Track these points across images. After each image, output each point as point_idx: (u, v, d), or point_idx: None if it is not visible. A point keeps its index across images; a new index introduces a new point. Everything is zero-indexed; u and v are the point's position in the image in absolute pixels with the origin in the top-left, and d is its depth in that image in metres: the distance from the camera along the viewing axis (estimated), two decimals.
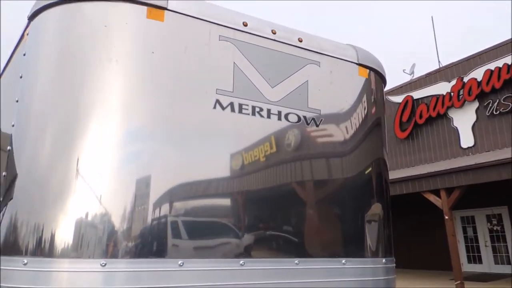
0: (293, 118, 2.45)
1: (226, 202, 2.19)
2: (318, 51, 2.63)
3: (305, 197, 2.40)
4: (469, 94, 13.06)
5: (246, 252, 2.13)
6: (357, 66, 2.78)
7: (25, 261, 1.80)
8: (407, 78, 16.36)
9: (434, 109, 14.03)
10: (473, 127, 13.15)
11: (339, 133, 2.61)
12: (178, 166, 2.09)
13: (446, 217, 11.11)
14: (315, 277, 2.27)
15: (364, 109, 2.76)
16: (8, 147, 2.12)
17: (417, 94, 14.89)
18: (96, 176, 1.94)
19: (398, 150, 15.31)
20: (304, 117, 2.49)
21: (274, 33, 2.51)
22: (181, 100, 2.16)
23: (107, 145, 1.99)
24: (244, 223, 2.18)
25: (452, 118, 13.70)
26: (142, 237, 1.93)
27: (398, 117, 15.20)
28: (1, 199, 2.03)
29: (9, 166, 2.07)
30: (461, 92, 13.35)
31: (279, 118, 2.41)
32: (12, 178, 2.02)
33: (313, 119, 2.51)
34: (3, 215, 1.99)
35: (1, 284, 1.80)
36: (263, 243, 2.21)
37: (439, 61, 16.07)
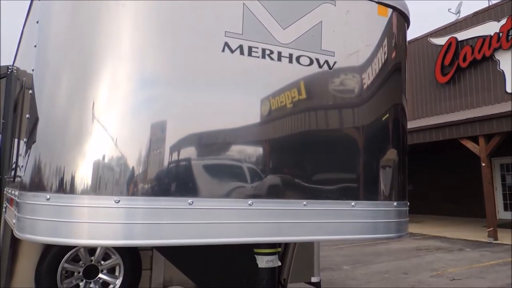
0: (305, 61, 2.39)
1: (236, 144, 2.23)
2: None
3: (314, 140, 2.40)
4: None
5: (255, 193, 2.20)
6: (376, 4, 2.62)
7: (48, 197, 1.96)
8: (452, 18, 15.25)
9: (479, 51, 13.12)
10: None
11: (355, 77, 2.53)
12: (189, 111, 2.14)
13: (483, 164, 10.78)
14: (323, 218, 2.32)
15: (383, 52, 2.64)
16: (30, 91, 2.24)
17: (462, 36, 13.91)
18: (112, 120, 2.03)
19: (438, 95, 14.65)
20: (317, 59, 2.42)
21: None
22: (190, 44, 2.16)
23: (120, 91, 2.06)
24: (254, 165, 2.23)
25: (498, 60, 12.79)
26: (154, 177, 2.03)
27: (439, 60, 14.38)
28: (26, 140, 2.18)
29: (32, 109, 2.20)
30: (510, 33, 12.33)
31: (290, 61, 2.36)
32: (34, 121, 2.16)
33: (326, 61, 2.44)
34: (28, 155, 2.15)
35: (27, 216, 1.99)
36: (272, 184, 2.26)
37: None
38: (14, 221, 2.29)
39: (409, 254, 9.23)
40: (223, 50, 2.21)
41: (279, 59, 2.34)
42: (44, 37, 2.26)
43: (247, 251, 2.43)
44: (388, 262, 8.40)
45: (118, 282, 4.00)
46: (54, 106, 2.12)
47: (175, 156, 2.07)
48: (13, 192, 2.61)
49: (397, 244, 10.80)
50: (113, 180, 1.99)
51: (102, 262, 4.00)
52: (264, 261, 2.38)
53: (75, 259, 3.89)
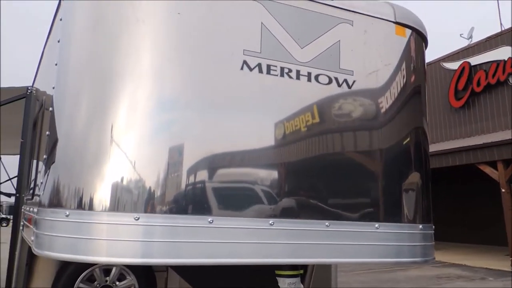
0: (323, 80, 2.40)
1: (256, 164, 2.21)
2: (351, 9, 2.52)
3: (336, 160, 2.37)
4: None
5: (276, 213, 2.16)
6: (394, 24, 2.64)
7: (67, 213, 1.96)
8: (464, 43, 15.28)
9: (493, 76, 13.04)
10: None
11: (375, 96, 2.52)
12: (208, 131, 2.13)
13: (503, 190, 10.51)
14: (345, 240, 2.26)
15: (403, 72, 2.64)
16: (50, 109, 2.27)
17: (475, 60, 13.87)
18: (130, 143, 2.03)
19: (452, 120, 14.51)
20: (336, 78, 2.42)
21: None
22: (208, 63, 2.18)
23: (139, 113, 2.07)
24: (275, 185, 2.20)
25: None
26: (173, 196, 2.01)
27: (453, 84, 14.31)
28: (45, 158, 2.19)
29: (51, 128, 2.23)
30: None
31: (309, 79, 2.37)
32: (54, 140, 2.18)
33: (345, 80, 2.44)
34: (48, 174, 2.16)
35: (46, 233, 1.98)
36: (293, 204, 2.22)
37: (501, 24, 14.81)
38: (32, 238, 2.28)
39: (429, 282, 8.92)
40: (241, 68, 2.23)
41: (297, 77, 2.35)
42: (65, 56, 2.30)
43: (269, 272, 2.37)
44: None
45: None
46: (74, 126, 2.14)
47: (194, 175, 2.06)
48: (31, 209, 2.62)
49: (416, 271, 10.48)
50: (132, 199, 1.98)
51: (117, 283, 3.95)
52: (286, 283, 2.31)
53: (90, 279, 3.85)
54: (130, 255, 1.91)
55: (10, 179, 5.31)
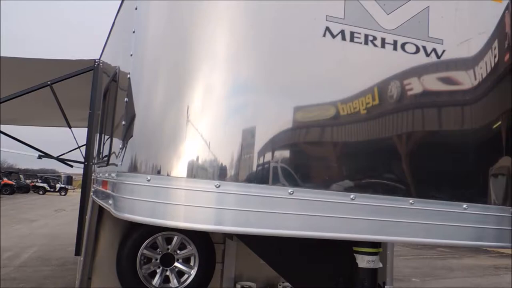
0: (410, 48, 2.23)
1: (338, 136, 2.11)
2: None
3: (421, 136, 2.22)
4: None
5: (358, 187, 2.07)
6: None
7: (149, 178, 1.97)
8: None
9: None
10: None
11: (465, 68, 2.31)
12: (288, 104, 2.05)
13: None
14: (430, 219, 2.12)
15: (497, 42, 2.40)
16: (126, 99, 2.28)
17: None
18: (206, 124, 2.00)
19: None
20: (424, 47, 2.24)
21: None
22: (289, 31, 2.08)
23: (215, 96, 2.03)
24: (357, 159, 2.11)
25: None
26: (253, 166, 1.97)
27: None
28: (124, 123, 2.23)
29: (127, 116, 2.24)
30: None
31: (395, 48, 2.21)
32: (130, 124, 2.19)
33: (433, 49, 2.25)
34: (127, 142, 2.20)
35: (128, 196, 2.02)
36: (376, 179, 2.12)
37: None
38: (110, 202, 2.35)
39: (486, 271, 8.54)
40: (324, 35, 2.12)
41: (382, 45, 2.19)
42: (140, 45, 2.28)
43: (345, 248, 2.30)
44: (462, 278, 7.83)
45: (193, 272, 4.05)
46: (150, 109, 2.16)
47: (275, 145, 2.00)
48: (107, 175, 2.69)
49: (471, 260, 10.08)
50: (212, 166, 1.96)
51: (178, 251, 4.07)
52: (365, 261, 2.23)
53: (153, 246, 3.99)
54: (210, 222, 1.90)
55: (78, 147, 5.56)
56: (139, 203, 1.99)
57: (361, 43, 2.16)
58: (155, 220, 1.97)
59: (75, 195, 39.58)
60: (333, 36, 2.12)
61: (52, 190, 39.05)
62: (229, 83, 2.06)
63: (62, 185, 40.63)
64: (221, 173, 1.94)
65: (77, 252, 4.31)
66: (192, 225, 1.93)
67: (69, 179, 44.41)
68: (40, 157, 4.63)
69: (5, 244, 10.51)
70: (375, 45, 2.18)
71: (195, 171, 1.96)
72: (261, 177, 1.96)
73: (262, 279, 4.71)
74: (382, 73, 2.18)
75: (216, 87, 2.03)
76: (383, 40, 2.19)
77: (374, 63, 2.18)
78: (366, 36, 2.17)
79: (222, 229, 1.95)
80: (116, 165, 2.33)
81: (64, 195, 38.44)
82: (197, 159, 1.96)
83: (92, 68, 4.47)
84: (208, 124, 2.01)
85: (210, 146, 1.96)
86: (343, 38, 2.14)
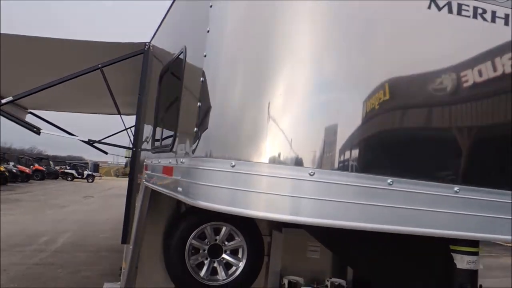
0: None
1: (441, 123, 1.88)
2: None
3: None
4: None
5: (463, 179, 1.85)
6: None
7: (233, 163, 1.79)
8: None
9: None
10: None
11: None
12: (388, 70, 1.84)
13: None
14: None
15: None
16: (201, 78, 2.08)
17: None
18: (287, 121, 1.82)
19: None
20: None
21: None
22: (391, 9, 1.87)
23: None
24: (461, 148, 1.88)
25: None
26: (349, 154, 1.77)
27: None
28: (196, 129, 2.04)
29: (203, 97, 2.05)
30: None
31: (506, 23, 1.95)
32: (206, 110, 2.00)
33: None
34: (197, 145, 2.01)
35: (204, 183, 1.84)
36: (484, 170, 1.91)
37: None
38: (179, 189, 2.18)
39: None
40: (429, 7, 1.88)
41: (493, 20, 1.94)
42: (215, 45, 2.09)
43: (440, 246, 2.08)
44: (504, 278, 7.46)
45: (241, 264, 3.89)
46: (228, 102, 1.97)
47: (371, 133, 1.80)
48: (171, 161, 2.53)
49: (508, 259, 9.65)
50: (307, 153, 1.77)
51: (226, 243, 3.91)
52: (465, 262, 2.00)
53: (201, 237, 3.84)
54: (310, 214, 1.71)
55: (123, 129, 5.46)
56: (221, 190, 1.82)
57: (469, 16, 1.91)
58: (233, 209, 1.80)
59: (101, 182, 40.39)
60: (439, 9, 1.88)
61: (80, 177, 39.87)
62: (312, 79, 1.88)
63: (90, 172, 41.45)
64: (319, 159, 1.75)
65: (124, 240, 4.20)
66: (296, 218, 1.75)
67: (96, 166, 45.29)
68: (87, 142, 4.52)
69: (40, 229, 10.69)
70: (484, 19, 1.93)
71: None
72: (360, 165, 1.76)
73: (309, 273, 4.51)
74: (490, 51, 1.93)
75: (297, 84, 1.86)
76: (493, 13, 1.94)
77: (483, 40, 1.93)
78: (475, 8, 1.92)
79: (322, 222, 1.73)
80: (187, 153, 2.16)
81: (92, 182, 39.21)
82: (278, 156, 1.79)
83: (142, 52, 4.32)
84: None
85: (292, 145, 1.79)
86: (450, 11, 1.90)
